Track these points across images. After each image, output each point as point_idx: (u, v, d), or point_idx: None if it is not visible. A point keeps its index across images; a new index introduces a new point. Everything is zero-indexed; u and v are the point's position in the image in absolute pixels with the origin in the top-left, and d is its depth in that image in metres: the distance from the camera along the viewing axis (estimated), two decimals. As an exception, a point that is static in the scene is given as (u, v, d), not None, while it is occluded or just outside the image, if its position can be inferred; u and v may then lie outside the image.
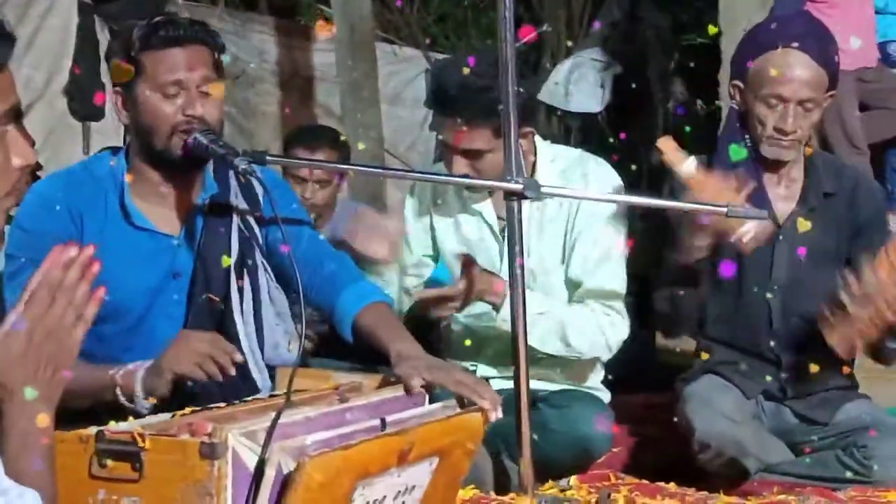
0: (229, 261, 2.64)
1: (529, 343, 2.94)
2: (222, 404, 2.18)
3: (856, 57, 5.30)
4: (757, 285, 3.18)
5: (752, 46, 3.16)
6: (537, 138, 3.22)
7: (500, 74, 2.55)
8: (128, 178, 2.63)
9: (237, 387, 2.45)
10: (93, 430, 1.91)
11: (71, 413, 2.25)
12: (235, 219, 2.69)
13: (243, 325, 2.64)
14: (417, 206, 3.33)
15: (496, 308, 3.04)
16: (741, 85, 3.15)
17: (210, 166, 2.67)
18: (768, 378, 3.19)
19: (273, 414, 1.94)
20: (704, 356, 3.22)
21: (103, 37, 6.21)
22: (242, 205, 2.71)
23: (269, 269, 2.71)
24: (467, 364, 3.14)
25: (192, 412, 2.11)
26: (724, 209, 2.75)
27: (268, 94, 7.42)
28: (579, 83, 8.19)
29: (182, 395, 2.39)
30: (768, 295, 3.18)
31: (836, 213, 3.18)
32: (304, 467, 1.82)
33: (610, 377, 3.35)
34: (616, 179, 3.20)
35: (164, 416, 2.10)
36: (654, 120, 8.79)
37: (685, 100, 8.84)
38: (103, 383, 2.38)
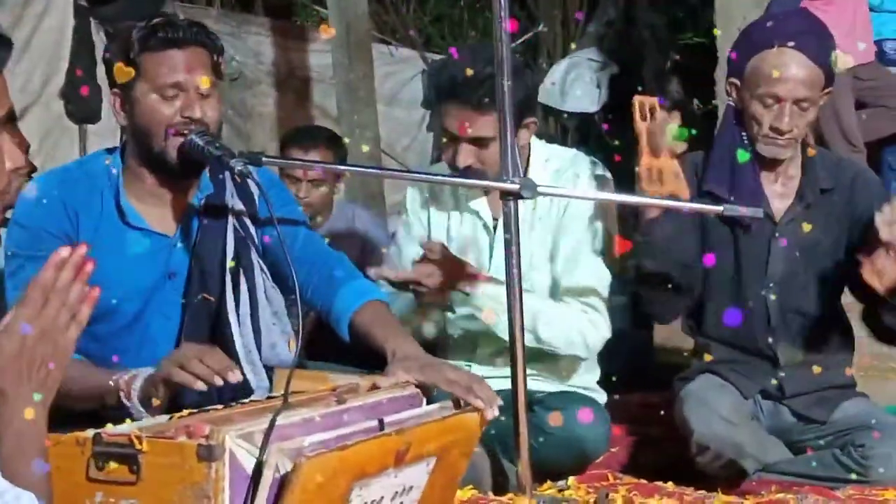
0: (233, 263, 2.63)
1: (499, 334, 2.95)
2: (219, 406, 2.18)
3: (853, 55, 5.29)
4: (754, 283, 3.19)
5: (748, 45, 3.16)
6: (532, 137, 3.22)
7: (496, 74, 2.55)
8: (123, 178, 2.63)
9: (233, 387, 2.44)
10: (90, 432, 1.91)
11: (68, 415, 2.28)
12: (231, 219, 2.68)
13: (239, 326, 2.63)
14: (418, 200, 3.33)
15: (467, 295, 3.03)
16: (737, 83, 3.15)
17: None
18: (766, 376, 3.19)
19: (270, 415, 1.94)
20: (707, 357, 3.21)
21: (99, 39, 6.19)
22: (238, 205, 2.70)
23: (265, 268, 2.71)
24: (463, 363, 3.14)
25: (190, 414, 2.11)
26: (721, 208, 2.75)
27: (264, 96, 7.41)
28: (575, 83, 8.19)
29: (182, 404, 2.38)
30: (765, 292, 3.18)
31: (834, 209, 3.18)
32: (302, 468, 1.82)
33: (608, 377, 3.35)
34: (609, 181, 3.20)
35: (161, 419, 2.10)
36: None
37: (681, 99, 8.84)
38: (107, 388, 2.37)
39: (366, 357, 2.54)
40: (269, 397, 2.29)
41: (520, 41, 8.13)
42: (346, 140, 5.43)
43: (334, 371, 2.48)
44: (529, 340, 3.03)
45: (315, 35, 7.84)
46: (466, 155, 3.05)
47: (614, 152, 7.69)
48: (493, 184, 2.82)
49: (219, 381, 2.23)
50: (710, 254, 3.09)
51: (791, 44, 3.05)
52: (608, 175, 3.22)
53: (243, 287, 2.65)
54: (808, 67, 3.06)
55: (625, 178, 3.31)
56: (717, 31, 5.49)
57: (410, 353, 2.44)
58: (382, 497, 2.04)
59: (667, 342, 4.57)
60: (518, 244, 2.58)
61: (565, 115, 8.23)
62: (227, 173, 2.66)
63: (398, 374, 2.33)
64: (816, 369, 3.12)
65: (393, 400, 2.26)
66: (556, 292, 3.17)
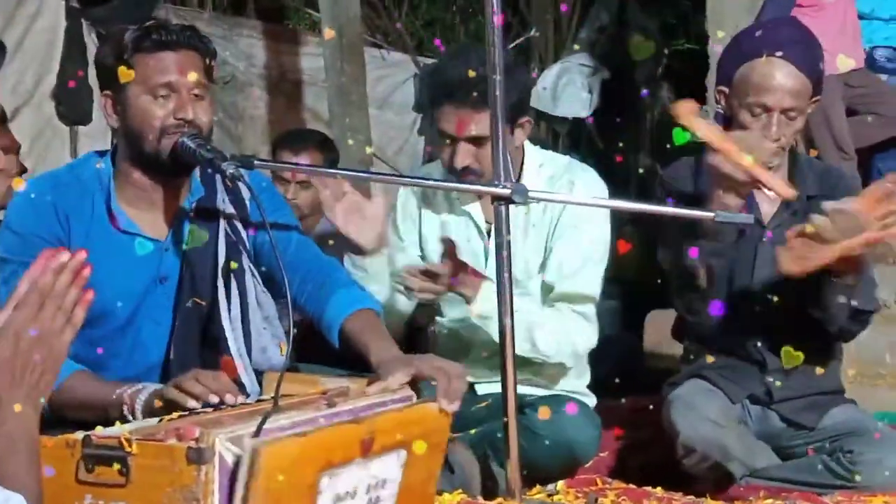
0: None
1: (495, 338, 2.96)
2: (209, 409, 2.18)
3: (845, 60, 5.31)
4: (741, 287, 3.19)
5: (737, 53, 3.17)
6: (527, 143, 3.23)
7: (489, 79, 2.55)
8: (114, 182, 2.62)
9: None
10: (80, 434, 1.91)
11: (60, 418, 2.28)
12: (222, 223, 2.68)
13: (231, 330, 2.63)
14: (408, 204, 3.33)
15: (468, 300, 3.04)
16: (726, 91, 3.17)
17: (197, 170, 2.67)
18: (754, 381, 3.20)
19: (260, 418, 1.94)
20: (710, 359, 3.21)
21: (91, 40, 6.19)
22: (229, 209, 2.70)
23: (256, 273, 2.71)
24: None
25: (180, 417, 2.12)
26: (713, 215, 2.76)
27: (256, 99, 7.41)
28: (567, 88, 8.20)
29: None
30: (753, 297, 3.19)
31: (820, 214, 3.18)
32: (262, 454, 1.82)
33: (597, 381, 3.35)
34: (603, 189, 3.21)
35: (151, 421, 2.10)
36: (642, 125, 8.80)
37: (672, 104, 8.84)
38: (110, 401, 2.36)
39: (357, 361, 2.54)
40: (258, 400, 2.30)
41: (512, 45, 8.13)
42: (350, 142, 5.44)
43: (325, 374, 2.48)
44: (525, 350, 3.04)
45: (307, 38, 7.84)
46: (464, 155, 3.05)
47: (605, 157, 7.72)
48: (484, 188, 2.82)
49: (213, 399, 2.21)
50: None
51: (779, 53, 3.06)
52: (602, 183, 3.22)
53: (234, 292, 2.65)
54: (795, 77, 3.07)
55: (616, 184, 3.31)
56: (720, 34, 5.49)
57: (392, 357, 2.45)
58: (356, 489, 2.04)
59: (656, 347, 4.58)
60: (509, 249, 2.58)
61: (556, 120, 8.23)
62: (218, 177, 2.66)
63: (390, 379, 2.33)
64: (804, 374, 3.13)
65: (383, 403, 2.26)
66: (546, 297, 3.17)
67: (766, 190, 2.94)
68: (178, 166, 2.57)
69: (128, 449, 1.85)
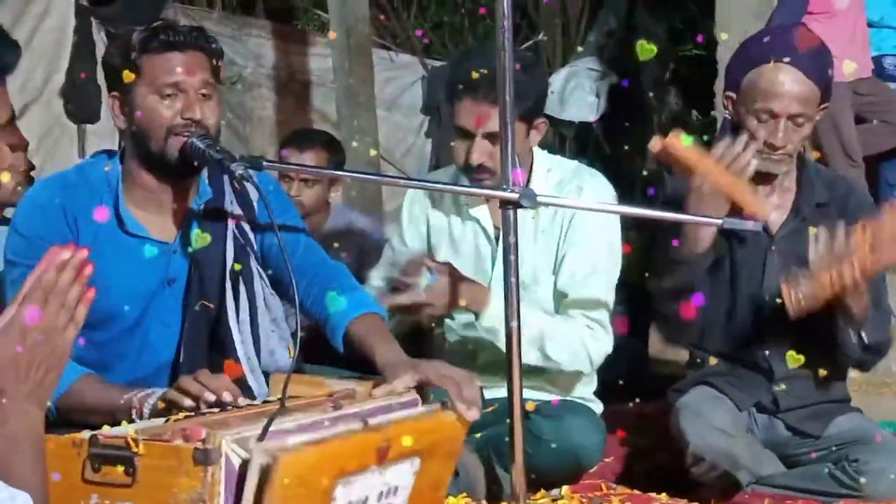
0: (240, 266, 2.64)
1: (504, 351, 2.96)
2: (216, 409, 2.18)
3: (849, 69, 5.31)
4: (750, 295, 3.19)
5: (745, 59, 3.17)
6: (535, 147, 3.22)
7: (498, 83, 2.55)
8: (122, 185, 2.62)
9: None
10: (86, 433, 1.91)
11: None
12: (230, 225, 2.68)
13: (239, 333, 2.63)
14: (418, 204, 3.32)
15: (477, 315, 3.04)
16: (734, 96, 3.16)
17: (205, 172, 2.67)
18: (761, 390, 3.19)
19: (266, 420, 1.94)
20: (713, 361, 3.22)
21: (100, 39, 6.20)
22: (237, 211, 2.70)
23: (264, 275, 2.71)
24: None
25: (186, 417, 2.11)
26: (720, 221, 2.75)
27: (264, 99, 7.41)
28: (575, 92, 8.20)
29: None
30: (760, 305, 3.19)
31: (829, 223, 3.18)
32: (279, 462, 1.81)
33: (602, 387, 3.35)
34: (611, 194, 3.20)
35: (157, 421, 2.10)
36: (650, 129, 8.79)
37: (680, 109, 8.85)
38: (118, 406, 2.35)
39: (362, 364, 2.54)
40: (265, 402, 2.29)
41: (520, 49, 8.14)
42: (357, 144, 5.44)
43: (332, 376, 2.48)
44: (536, 359, 3.04)
45: (315, 39, 7.84)
46: (480, 152, 3.03)
47: (612, 161, 7.71)
48: (491, 192, 2.81)
49: (210, 397, 2.21)
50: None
51: (787, 59, 3.05)
52: (610, 188, 3.22)
53: (243, 294, 2.65)
54: (803, 83, 3.06)
55: (622, 188, 3.30)
56: (724, 36, 5.49)
57: (399, 361, 2.45)
58: (367, 497, 2.03)
59: (661, 353, 4.57)
60: (517, 254, 2.57)
61: (563, 124, 8.23)
62: (226, 179, 2.66)
63: (396, 383, 2.33)
64: (811, 383, 3.13)
65: (389, 406, 2.26)
66: (559, 305, 3.16)
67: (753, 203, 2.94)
68: (185, 167, 2.57)
69: (134, 449, 1.85)
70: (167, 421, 2.07)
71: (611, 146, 8.35)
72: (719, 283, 3.19)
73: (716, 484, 3.07)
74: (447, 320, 3.13)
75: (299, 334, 2.24)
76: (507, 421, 2.54)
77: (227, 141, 6.53)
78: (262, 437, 1.89)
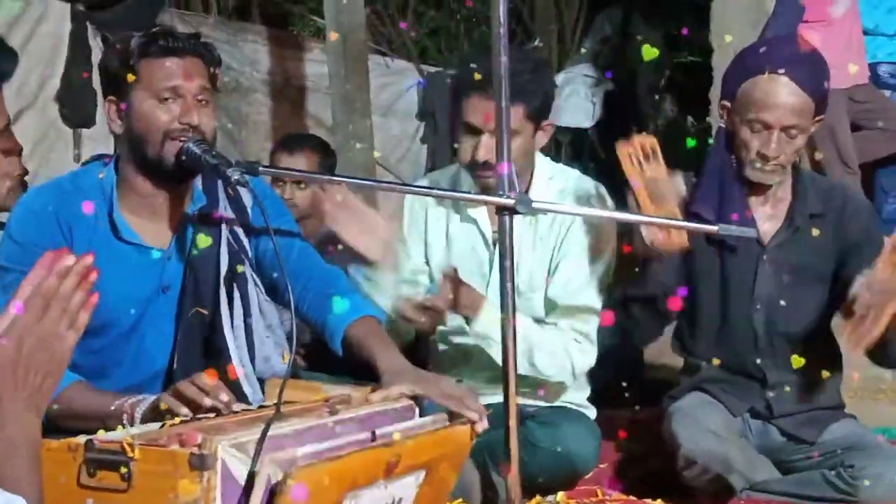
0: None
1: (494, 358, 2.96)
2: (211, 415, 2.18)
3: (847, 74, 5.32)
4: (741, 304, 3.20)
5: (740, 69, 3.17)
6: (538, 154, 3.22)
7: (495, 89, 2.55)
8: (117, 192, 2.62)
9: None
10: (82, 438, 1.91)
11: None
12: (224, 231, 2.68)
13: (234, 339, 2.63)
14: (414, 211, 3.32)
15: (467, 320, 3.04)
16: (729, 106, 3.16)
17: (199, 178, 2.67)
18: (755, 396, 3.20)
19: (262, 425, 1.94)
20: (716, 362, 3.22)
21: (96, 44, 6.20)
22: (231, 217, 2.70)
23: (258, 281, 2.71)
24: (452, 377, 3.13)
25: (182, 422, 2.11)
26: (716, 228, 2.76)
27: (259, 104, 7.42)
28: (570, 98, 8.21)
29: None
30: (752, 314, 3.19)
31: (823, 234, 3.18)
32: (292, 478, 1.82)
33: (597, 393, 3.35)
34: (610, 205, 3.20)
35: (153, 426, 2.10)
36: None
37: (675, 116, 8.86)
38: (109, 413, 2.35)
39: (361, 369, 2.54)
40: (260, 407, 2.29)
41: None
42: (358, 146, 5.44)
43: (327, 382, 2.48)
44: (523, 367, 3.03)
45: (311, 45, 7.85)
46: (487, 149, 3.00)
47: (607, 167, 7.71)
48: (488, 198, 2.81)
49: (207, 403, 2.21)
50: (695, 277, 3.15)
51: (781, 71, 3.05)
52: (610, 201, 3.21)
53: (237, 301, 2.65)
54: (797, 95, 3.06)
55: (618, 195, 3.30)
56: (728, 38, 5.49)
57: (401, 368, 2.45)
58: (372, 508, 2.04)
59: (656, 360, 4.57)
60: (512, 259, 2.57)
61: (559, 130, 8.24)
62: (220, 185, 2.66)
63: (392, 388, 2.33)
64: (804, 389, 3.14)
65: (385, 412, 2.26)
66: (549, 313, 3.16)
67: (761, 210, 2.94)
68: (181, 172, 2.57)
69: (130, 454, 1.85)
70: (163, 426, 2.07)
71: (606, 152, 8.35)
72: (710, 292, 3.20)
73: (708, 488, 3.07)
74: (440, 327, 3.13)
75: (294, 339, 2.23)
76: (502, 427, 2.54)
77: (223, 146, 6.53)
78: (260, 443, 1.88)
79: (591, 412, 3.28)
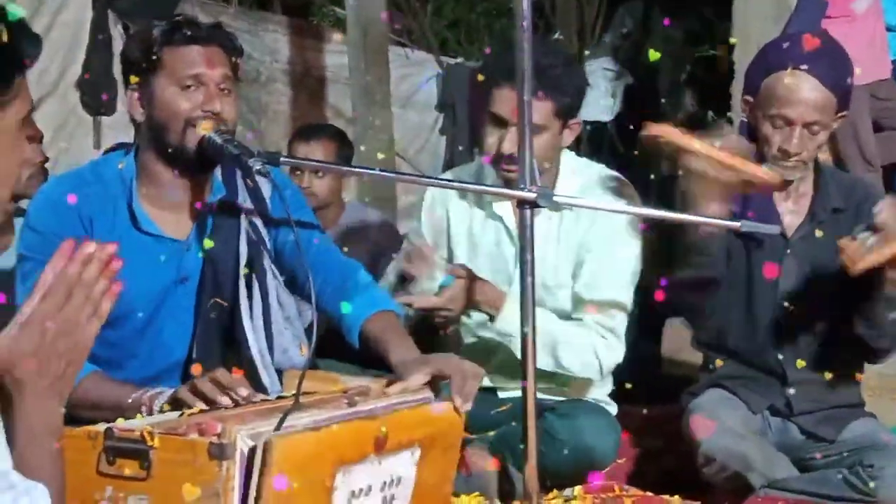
0: (247, 269, 2.63)
1: (519, 356, 2.96)
2: (230, 404, 2.18)
3: (869, 70, 5.28)
4: (764, 299, 3.18)
5: (763, 64, 3.15)
6: (564, 151, 3.20)
7: (518, 83, 2.54)
8: (137, 182, 2.62)
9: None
10: (102, 426, 1.91)
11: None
12: (244, 223, 2.68)
13: (252, 330, 2.63)
14: (436, 205, 3.29)
15: (492, 318, 3.03)
16: (751, 100, 3.15)
17: (218, 169, 2.67)
18: (775, 393, 3.19)
19: (281, 415, 1.94)
20: (719, 363, 3.21)
21: (117, 32, 6.22)
22: (251, 208, 2.70)
23: (277, 273, 2.71)
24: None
25: (200, 412, 2.12)
26: (738, 224, 2.74)
27: (279, 94, 7.42)
28: (590, 92, 8.18)
29: None
30: (775, 309, 3.18)
31: (845, 228, 3.16)
32: (275, 447, 1.82)
33: (615, 388, 3.34)
34: (637, 201, 3.18)
35: (172, 415, 2.10)
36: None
37: (696, 110, 8.84)
38: (127, 405, 2.35)
39: (377, 361, 2.54)
40: (279, 397, 2.29)
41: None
42: (355, 142, 5.44)
43: (346, 373, 2.48)
44: (549, 364, 3.03)
45: (331, 35, 7.85)
46: (512, 142, 2.94)
47: (626, 162, 7.70)
48: (509, 192, 2.80)
49: (224, 401, 2.21)
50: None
51: (804, 66, 3.03)
52: (635, 195, 3.19)
53: (256, 292, 2.65)
54: (819, 91, 3.04)
55: (638, 189, 3.29)
56: (733, 40, 5.48)
57: (412, 359, 2.45)
58: (370, 486, 2.04)
59: (675, 355, 4.56)
60: (533, 254, 2.56)
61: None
62: (240, 176, 2.66)
63: (411, 380, 2.33)
64: (825, 387, 3.12)
65: (403, 403, 2.26)
66: (576, 310, 3.14)
67: (782, 202, 2.92)
68: (202, 161, 2.57)
69: (150, 443, 1.85)
70: (181, 415, 2.07)
71: (625, 146, 8.34)
72: (735, 286, 3.19)
73: (727, 485, 3.06)
74: (464, 318, 3.12)
75: (315, 331, 2.23)
76: (521, 420, 2.54)
77: (241, 135, 6.53)
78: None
79: (613, 408, 3.27)
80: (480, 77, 3.16)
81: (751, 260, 3.18)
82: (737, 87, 5.43)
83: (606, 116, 8.27)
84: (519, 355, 2.78)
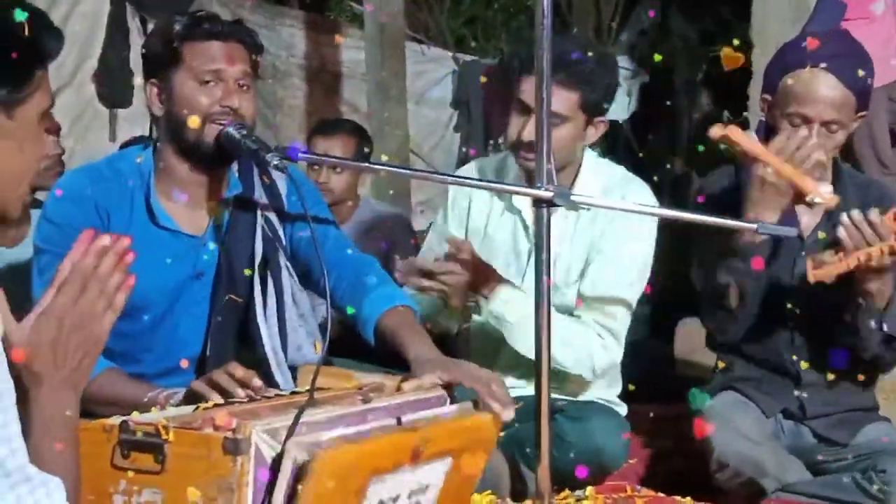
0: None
1: (516, 349, 2.94)
2: (245, 399, 2.18)
3: (886, 71, 5.25)
4: (779, 300, 3.17)
5: (783, 63, 3.14)
6: (587, 149, 3.19)
7: (536, 81, 2.53)
8: (154, 177, 2.62)
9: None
10: (117, 419, 1.91)
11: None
12: (259, 219, 2.69)
13: (266, 327, 2.63)
14: (459, 197, 3.29)
15: (484, 298, 3.02)
16: (770, 99, 3.14)
17: (235, 165, 2.67)
18: (788, 396, 3.18)
19: (296, 411, 1.94)
20: (721, 364, 3.20)
21: (134, 25, 6.24)
22: (266, 205, 2.71)
23: (292, 270, 2.71)
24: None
25: (215, 406, 2.11)
26: (755, 226, 2.73)
27: (295, 88, 7.44)
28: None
29: None
30: (789, 310, 3.17)
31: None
32: (317, 460, 1.81)
33: (626, 388, 3.34)
34: (654, 203, 3.17)
35: (187, 409, 2.10)
36: (679, 129, 8.76)
37: (712, 110, 8.82)
38: (142, 403, 2.34)
39: (392, 357, 2.54)
40: (293, 393, 2.29)
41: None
42: (373, 137, 5.45)
43: (360, 369, 2.48)
44: None
45: (347, 30, 7.86)
46: (532, 130, 2.94)
47: (641, 160, 7.70)
48: (525, 190, 2.79)
49: (240, 393, 2.21)
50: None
51: (824, 65, 3.02)
52: (654, 199, 3.18)
53: (270, 289, 2.65)
54: (838, 90, 3.03)
55: (652, 188, 3.28)
56: (736, 42, 5.45)
57: (430, 357, 2.44)
58: (399, 495, 2.03)
59: (687, 355, 4.56)
60: (549, 253, 2.55)
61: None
62: (256, 173, 2.66)
63: (424, 378, 2.33)
64: (839, 390, 3.11)
65: (418, 401, 2.26)
66: (579, 306, 3.13)
67: (809, 200, 2.92)
68: (219, 156, 2.58)
69: (164, 436, 1.85)
70: (196, 409, 2.07)
71: (640, 145, 8.33)
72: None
73: (740, 490, 3.05)
74: (474, 315, 3.12)
75: (329, 327, 2.23)
76: (532, 420, 2.53)
77: (256, 129, 6.54)
78: (292, 429, 1.88)
79: (622, 409, 3.26)
80: (506, 69, 3.16)
81: (766, 260, 3.17)
82: (755, 88, 5.41)
83: (622, 115, 8.25)
84: (512, 343, 2.76)
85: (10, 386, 1.47)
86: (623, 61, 8.38)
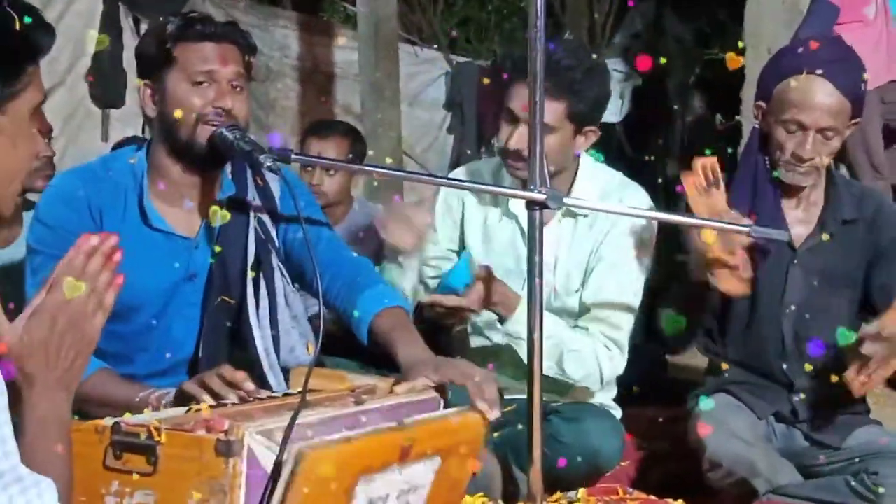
0: (253, 273, 2.63)
1: (525, 360, 2.95)
2: (237, 400, 2.18)
3: (879, 74, 5.26)
4: (771, 307, 3.18)
5: (777, 69, 3.15)
6: (584, 154, 3.19)
7: (529, 84, 2.53)
8: (148, 178, 2.62)
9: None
10: (109, 420, 1.91)
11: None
12: (252, 221, 2.69)
13: (259, 328, 2.63)
14: (451, 199, 3.29)
15: (502, 320, 3.03)
16: (764, 106, 3.14)
17: (228, 167, 2.67)
18: (780, 400, 3.18)
19: (288, 412, 1.94)
20: (724, 366, 3.21)
21: (127, 25, 6.23)
22: (259, 207, 2.70)
23: (284, 272, 2.71)
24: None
25: (209, 407, 2.11)
26: (748, 229, 2.74)
27: (287, 90, 7.43)
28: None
29: None
30: (781, 318, 3.17)
31: (855, 239, 3.16)
32: (305, 460, 1.81)
33: (620, 391, 3.34)
34: (650, 207, 3.17)
35: (179, 411, 2.10)
36: (672, 132, 8.77)
37: (704, 113, 8.83)
38: (134, 404, 2.34)
39: (385, 358, 2.54)
40: (285, 394, 2.29)
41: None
42: (366, 138, 5.44)
43: (352, 371, 2.48)
44: (551, 370, 3.02)
45: (341, 31, 7.86)
46: (520, 138, 2.95)
47: (634, 163, 7.70)
48: (518, 192, 2.80)
49: (232, 398, 2.20)
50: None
51: (819, 72, 3.02)
52: (650, 203, 3.18)
53: (263, 290, 2.65)
54: (834, 96, 3.03)
55: (645, 191, 3.28)
56: (740, 44, 5.45)
57: (421, 358, 2.44)
58: (388, 495, 2.03)
59: (680, 358, 4.56)
60: (542, 255, 2.55)
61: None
62: (249, 174, 2.66)
63: (417, 381, 2.33)
64: (830, 394, 3.11)
65: (410, 403, 2.26)
66: (584, 317, 3.14)
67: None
68: (212, 157, 2.57)
69: (157, 438, 1.85)
70: (188, 411, 2.07)
71: (633, 148, 8.33)
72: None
73: (732, 491, 3.06)
74: (472, 316, 3.12)
75: (322, 328, 2.23)
76: (525, 422, 2.53)
77: (249, 130, 6.54)
78: (288, 432, 1.88)
79: (617, 412, 3.27)
80: (498, 72, 3.16)
81: (756, 268, 3.17)
82: (747, 92, 5.41)
83: (614, 117, 8.25)
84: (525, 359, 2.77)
85: (2, 387, 1.46)
86: (616, 64, 8.39)
